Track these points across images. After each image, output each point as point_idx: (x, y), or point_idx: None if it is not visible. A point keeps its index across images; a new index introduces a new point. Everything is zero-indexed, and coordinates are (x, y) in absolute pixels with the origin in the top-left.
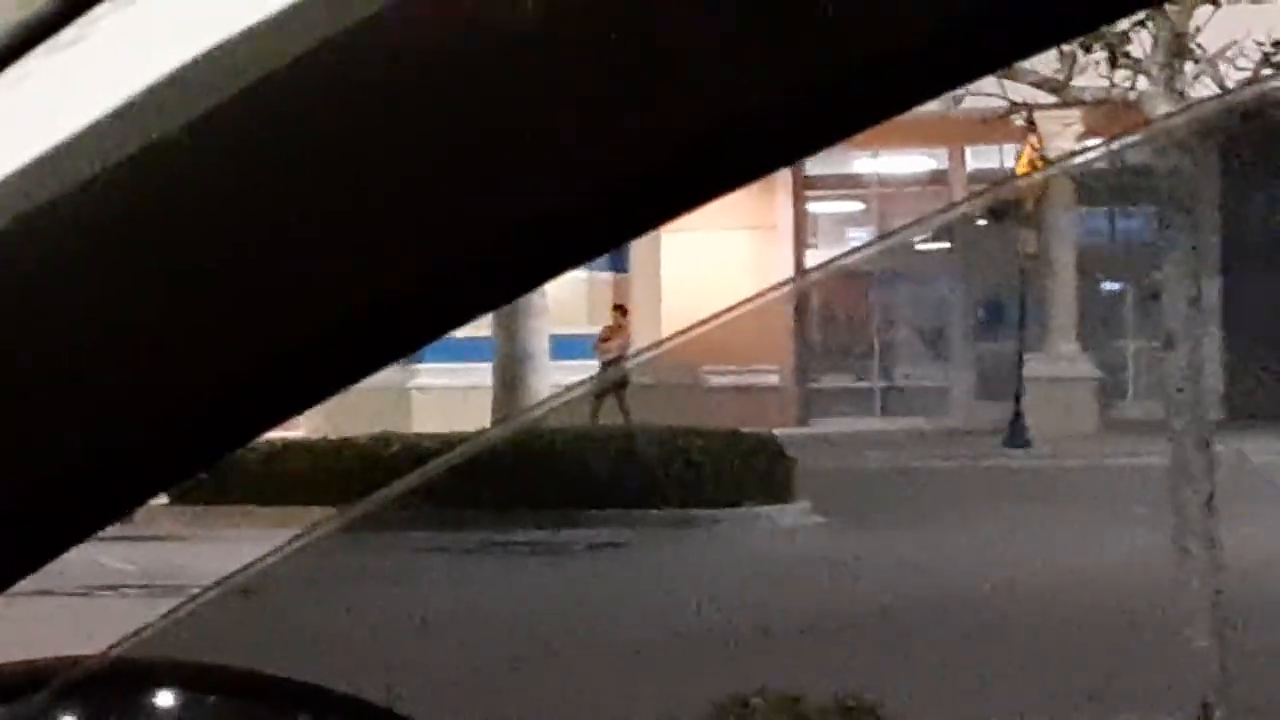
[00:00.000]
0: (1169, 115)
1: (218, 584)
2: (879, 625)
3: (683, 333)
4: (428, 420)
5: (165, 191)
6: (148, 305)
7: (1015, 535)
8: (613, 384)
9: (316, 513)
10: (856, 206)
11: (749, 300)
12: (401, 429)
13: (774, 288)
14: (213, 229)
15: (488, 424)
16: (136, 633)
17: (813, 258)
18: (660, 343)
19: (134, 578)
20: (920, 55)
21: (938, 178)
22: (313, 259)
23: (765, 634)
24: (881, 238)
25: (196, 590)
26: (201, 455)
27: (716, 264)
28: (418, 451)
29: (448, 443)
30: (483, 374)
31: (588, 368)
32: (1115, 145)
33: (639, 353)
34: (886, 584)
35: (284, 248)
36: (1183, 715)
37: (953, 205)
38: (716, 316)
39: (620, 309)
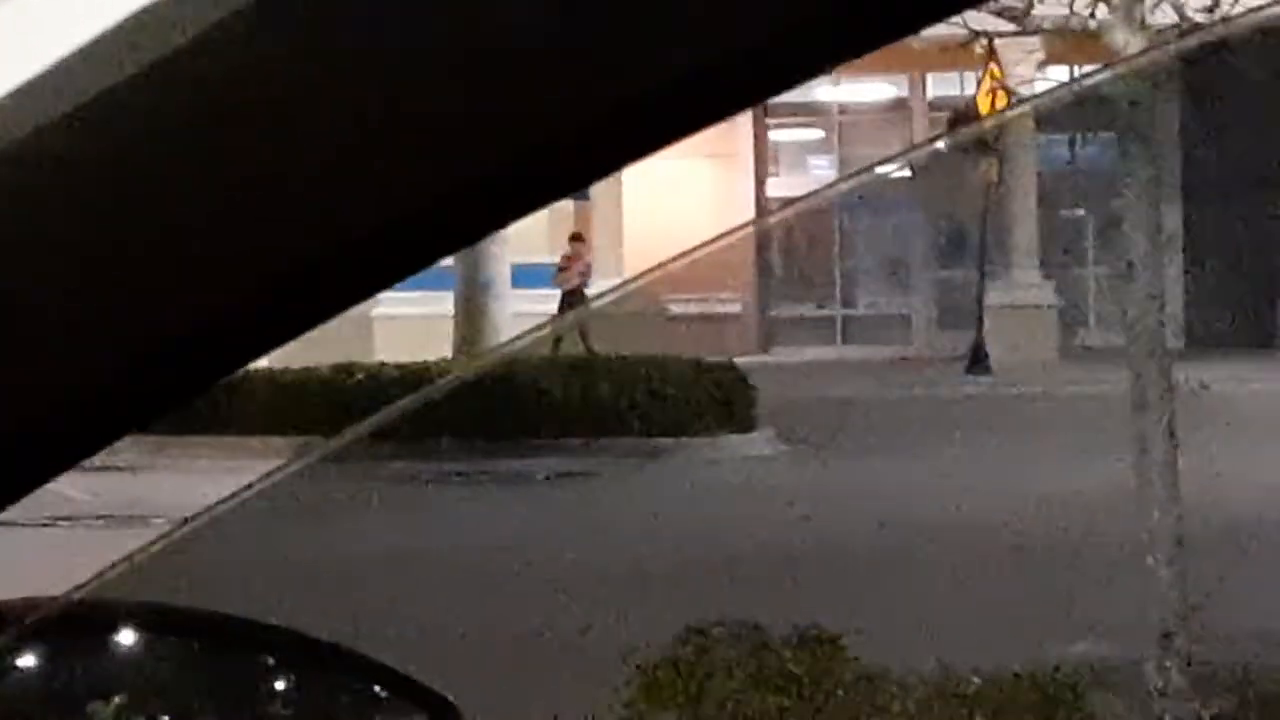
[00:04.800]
0: (1132, 56)
1: (182, 524)
2: (841, 554)
3: (646, 274)
4: (390, 349)
5: (93, 149)
6: (118, 252)
7: (976, 464)
8: (575, 320)
9: (278, 443)
10: (817, 134)
11: (711, 242)
12: (364, 358)
13: (736, 229)
14: (156, 184)
15: (449, 353)
16: (100, 574)
17: (774, 186)
18: (624, 282)
19: (95, 508)
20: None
21: (898, 105)
22: (257, 213)
23: (727, 563)
24: (847, 176)
25: (157, 520)
26: (167, 396)
27: (677, 191)
28: (381, 381)
29: (411, 372)
30: (444, 302)
31: (548, 296)
32: (1078, 84)
33: (602, 295)
34: (849, 512)
35: (230, 202)
36: (1143, 643)
37: (927, 142)
38: (679, 257)
39: (577, 237)
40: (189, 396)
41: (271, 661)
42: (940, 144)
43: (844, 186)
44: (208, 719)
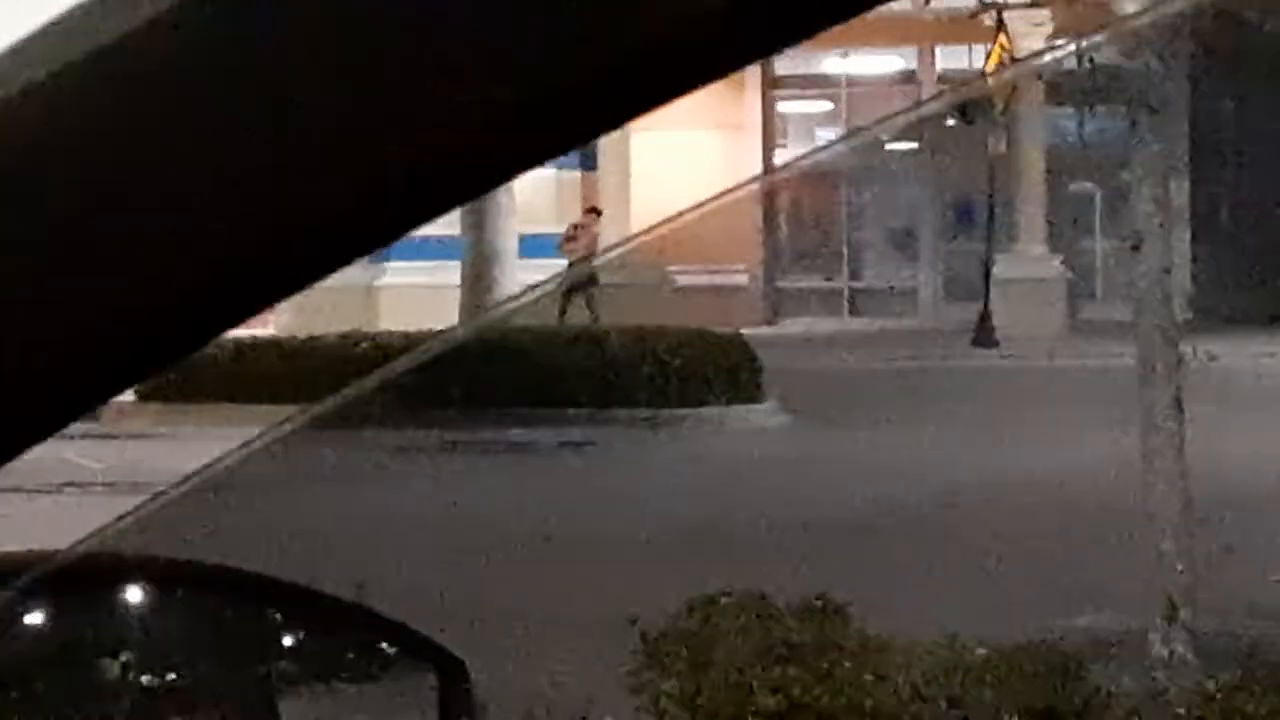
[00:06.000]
0: (1137, 14)
1: (186, 479)
2: (846, 525)
3: (649, 230)
4: (396, 319)
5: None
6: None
7: (982, 436)
8: (581, 283)
9: (285, 411)
10: (825, 106)
11: (716, 197)
12: (369, 327)
13: (741, 185)
14: (101, 170)
15: (456, 323)
16: (105, 528)
17: (781, 158)
18: (628, 239)
19: (101, 475)
20: None
21: (907, 78)
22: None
23: (733, 533)
24: (848, 135)
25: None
26: (156, 355)
27: (685, 163)
28: (386, 350)
29: (416, 341)
30: (451, 272)
31: (555, 266)
32: (1083, 44)
33: (607, 249)
34: (853, 484)
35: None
36: (1148, 615)
37: (919, 104)
38: (683, 214)
39: (595, 211)
40: (174, 358)
41: (280, 616)
42: (941, 103)
43: (844, 147)
44: (215, 673)
